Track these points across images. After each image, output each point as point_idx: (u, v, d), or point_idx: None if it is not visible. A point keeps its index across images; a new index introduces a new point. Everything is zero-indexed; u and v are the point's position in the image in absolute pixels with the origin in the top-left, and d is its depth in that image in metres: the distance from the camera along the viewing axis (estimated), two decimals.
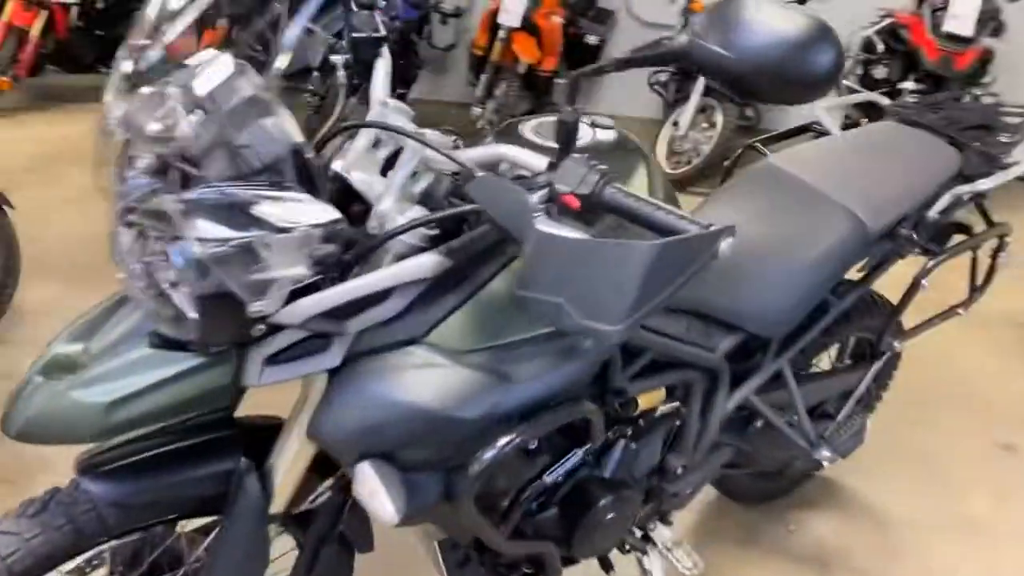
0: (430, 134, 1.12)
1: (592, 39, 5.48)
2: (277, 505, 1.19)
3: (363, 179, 1.12)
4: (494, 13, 5.06)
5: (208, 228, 0.88)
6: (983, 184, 1.81)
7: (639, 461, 1.58)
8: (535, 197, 0.97)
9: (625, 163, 1.26)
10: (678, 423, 1.62)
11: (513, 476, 1.26)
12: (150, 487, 1.14)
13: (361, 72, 1.23)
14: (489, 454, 1.12)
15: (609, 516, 1.42)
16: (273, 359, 1.04)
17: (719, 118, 4.56)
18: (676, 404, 1.59)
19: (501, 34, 5.00)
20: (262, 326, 1.00)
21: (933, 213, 1.79)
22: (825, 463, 1.85)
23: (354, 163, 1.15)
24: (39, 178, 4.21)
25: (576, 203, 0.94)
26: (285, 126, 0.95)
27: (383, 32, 1.22)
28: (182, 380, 1.02)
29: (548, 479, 1.26)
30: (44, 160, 4.47)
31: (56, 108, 5.43)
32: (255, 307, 0.93)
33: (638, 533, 1.71)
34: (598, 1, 5.89)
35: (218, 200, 0.89)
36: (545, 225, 0.94)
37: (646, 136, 5.20)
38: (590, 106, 6.43)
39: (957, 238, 1.96)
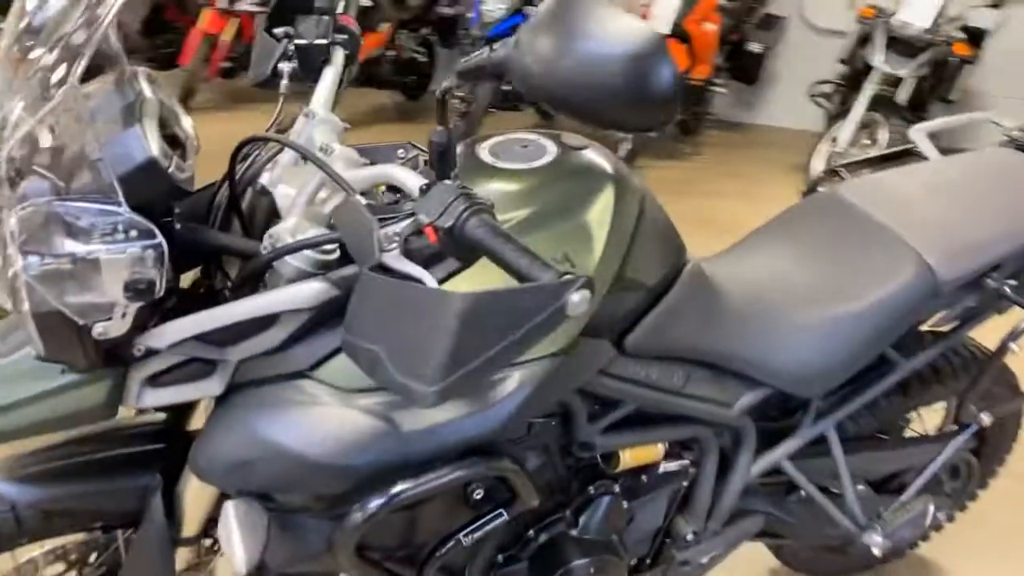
0: (339, 150, 1.03)
1: (755, 47, 5.17)
2: (188, 529, 1.15)
3: (287, 194, 1.05)
4: (643, 19, 4.87)
5: (42, 243, 0.84)
6: None
7: (635, 523, 1.40)
8: (398, 227, 0.86)
9: (587, 188, 1.10)
10: (686, 483, 1.42)
11: (429, 528, 1.14)
12: (68, 495, 1.12)
13: (310, 81, 1.16)
14: (375, 503, 1.00)
15: None
16: (155, 380, 0.99)
17: (883, 135, 4.10)
18: (685, 462, 1.39)
19: None
20: (142, 346, 0.96)
21: None
22: (876, 551, 1.55)
23: (280, 177, 1.08)
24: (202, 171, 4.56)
25: (433, 236, 0.82)
26: (141, 137, 0.89)
27: (329, 39, 1.14)
28: (60, 394, 0.98)
29: (467, 539, 1.12)
30: (207, 156, 4.84)
31: (240, 108, 5.86)
32: (98, 329, 0.88)
33: None
34: (767, 5, 5.53)
35: (48, 214, 0.85)
36: (393, 261, 0.82)
37: (802, 150, 4.78)
38: (749, 117, 6.06)
39: None
